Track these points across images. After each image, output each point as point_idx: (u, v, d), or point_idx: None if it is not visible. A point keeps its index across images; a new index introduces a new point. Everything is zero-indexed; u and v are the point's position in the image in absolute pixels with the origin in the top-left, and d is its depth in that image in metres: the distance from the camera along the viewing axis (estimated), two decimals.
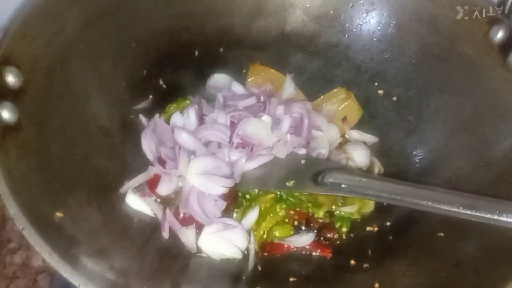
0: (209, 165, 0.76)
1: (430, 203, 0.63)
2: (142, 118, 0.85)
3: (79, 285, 0.48)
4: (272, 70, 0.93)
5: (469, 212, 0.60)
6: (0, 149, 0.56)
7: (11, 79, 0.62)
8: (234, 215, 0.78)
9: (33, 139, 0.63)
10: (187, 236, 0.73)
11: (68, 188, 0.65)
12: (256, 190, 0.79)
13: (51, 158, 0.65)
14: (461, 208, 0.61)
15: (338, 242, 0.77)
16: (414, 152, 0.85)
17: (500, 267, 0.60)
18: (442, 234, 0.70)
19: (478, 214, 0.60)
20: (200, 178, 0.74)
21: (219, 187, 0.75)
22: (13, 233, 0.91)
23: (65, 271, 0.48)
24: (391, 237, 0.76)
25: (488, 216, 0.59)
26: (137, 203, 0.74)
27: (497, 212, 0.59)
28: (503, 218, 0.59)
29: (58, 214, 0.59)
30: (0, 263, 0.87)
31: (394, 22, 0.89)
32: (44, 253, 0.49)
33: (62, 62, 0.71)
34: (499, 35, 0.75)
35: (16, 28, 0.65)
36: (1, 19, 0.67)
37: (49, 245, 0.50)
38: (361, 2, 0.90)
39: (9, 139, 0.59)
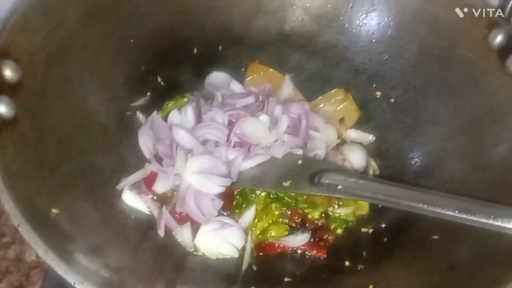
0: (207, 164, 0.76)
1: (425, 206, 0.63)
2: (140, 115, 0.85)
3: (74, 283, 0.48)
4: (271, 70, 0.93)
5: (464, 216, 0.60)
6: None
7: (8, 73, 0.61)
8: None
9: (30, 134, 0.63)
10: (182, 234, 0.73)
11: (64, 184, 0.65)
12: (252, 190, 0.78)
13: (48, 153, 0.65)
14: (456, 211, 0.61)
15: (332, 243, 0.77)
16: (410, 154, 0.85)
17: (495, 272, 0.60)
18: (437, 237, 0.70)
19: (474, 218, 0.60)
20: (197, 177, 0.74)
21: (216, 186, 0.75)
22: (6, 227, 0.90)
23: (60, 268, 0.48)
24: (385, 239, 0.76)
25: (483, 220, 0.59)
26: (133, 200, 0.74)
27: (492, 216, 0.59)
28: (498, 223, 0.58)
29: (54, 211, 0.58)
30: None
31: (393, 24, 0.89)
32: (40, 250, 0.49)
33: (61, 56, 0.71)
34: (498, 38, 0.75)
35: (15, 21, 0.64)
36: (0, 12, 0.66)
37: (44, 242, 0.49)
38: (362, 2, 0.90)
39: (6, 133, 0.59)
